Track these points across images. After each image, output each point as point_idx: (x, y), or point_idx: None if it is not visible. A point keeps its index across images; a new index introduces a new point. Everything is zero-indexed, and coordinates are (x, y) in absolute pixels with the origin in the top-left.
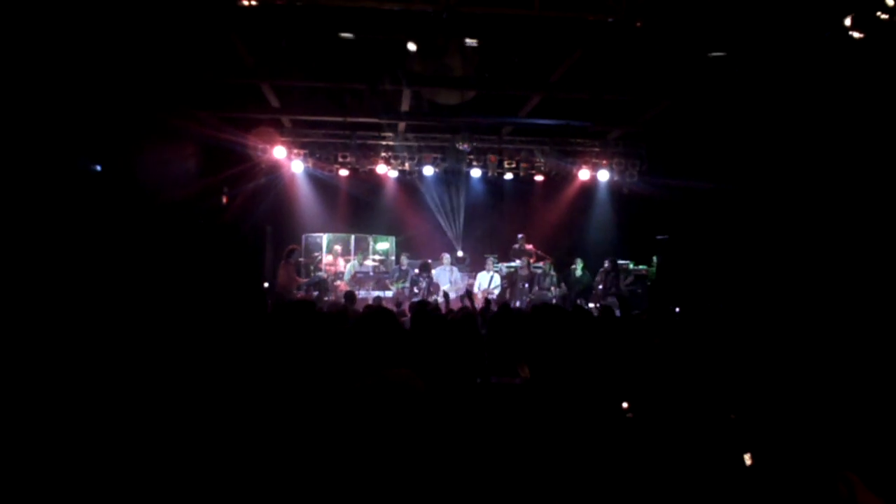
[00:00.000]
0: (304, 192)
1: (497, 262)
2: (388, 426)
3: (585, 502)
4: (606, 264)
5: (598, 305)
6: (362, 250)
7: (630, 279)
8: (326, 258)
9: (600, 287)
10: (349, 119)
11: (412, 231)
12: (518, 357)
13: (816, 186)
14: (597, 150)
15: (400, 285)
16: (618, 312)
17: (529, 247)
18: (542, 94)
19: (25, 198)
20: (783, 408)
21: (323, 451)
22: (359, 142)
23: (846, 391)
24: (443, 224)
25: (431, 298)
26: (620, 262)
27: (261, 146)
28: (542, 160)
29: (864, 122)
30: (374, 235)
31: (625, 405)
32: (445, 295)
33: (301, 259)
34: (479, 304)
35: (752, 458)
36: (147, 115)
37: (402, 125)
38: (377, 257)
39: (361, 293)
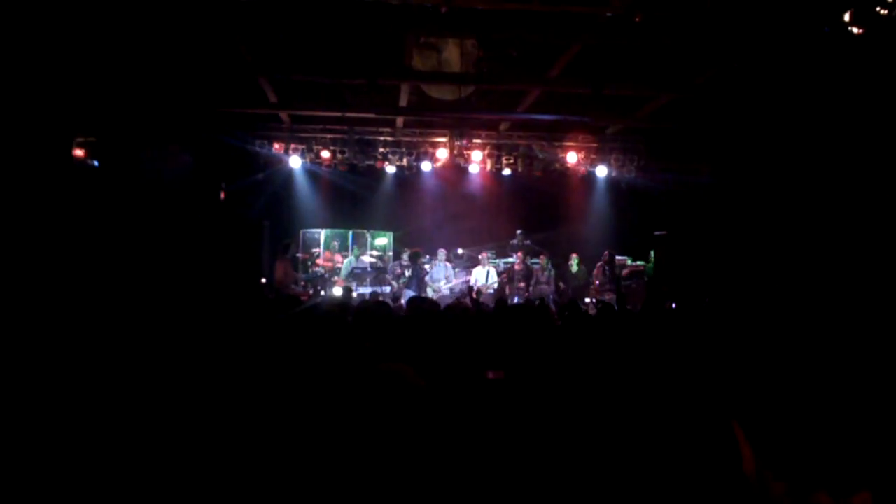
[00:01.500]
0: (301, 187)
1: (494, 258)
2: (388, 421)
3: (579, 497)
4: (604, 257)
5: (594, 301)
6: (360, 245)
7: (625, 272)
8: (324, 254)
9: (597, 282)
10: (347, 114)
11: (410, 226)
12: (498, 356)
13: (816, 182)
14: (595, 145)
15: (401, 281)
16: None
17: (527, 242)
18: (540, 88)
19: (25, 193)
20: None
21: (322, 446)
22: (357, 137)
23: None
24: (440, 219)
25: (425, 292)
26: (619, 257)
27: (258, 141)
28: (539, 155)
29: (863, 117)
30: (371, 231)
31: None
32: (460, 300)
33: (298, 254)
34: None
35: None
36: (145, 110)
37: (400, 120)
38: (375, 253)
39: (359, 289)
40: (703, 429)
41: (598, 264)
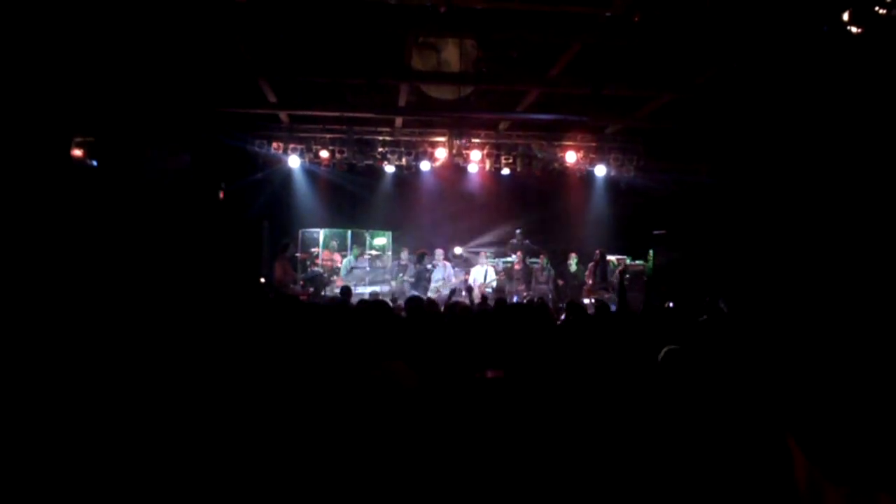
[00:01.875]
0: (300, 187)
1: (493, 257)
2: (382, 419)
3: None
4: (596, 257)
5: (593, 301)
6: (359, 245)
7: (619, 270)
8: (323, 253)
9: (590, 281)
10: (346, 114)
11: (409, 226)
12: (497, 355)
13: (816, 181)
14: (594, 144)
15: (400, 280)
16: (613, 307)
17: (526, 242)
18: (539, 88)
19: (24, 192)
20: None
21: (318, 443)
22: (356, 136)
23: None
24: (439, 219)
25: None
26: (618, 256)
27: (258, 141)
28: (539, 155)
29: (862, 117)
30: (370, 230)
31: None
32: (458, 296)
33: (297, 254)
34: (476, 299)
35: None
36: (144, 110)
37: (399, 120)
38: (374, 252)
39: (358, 289)
40: (739, 439)
41: (591, 265)
